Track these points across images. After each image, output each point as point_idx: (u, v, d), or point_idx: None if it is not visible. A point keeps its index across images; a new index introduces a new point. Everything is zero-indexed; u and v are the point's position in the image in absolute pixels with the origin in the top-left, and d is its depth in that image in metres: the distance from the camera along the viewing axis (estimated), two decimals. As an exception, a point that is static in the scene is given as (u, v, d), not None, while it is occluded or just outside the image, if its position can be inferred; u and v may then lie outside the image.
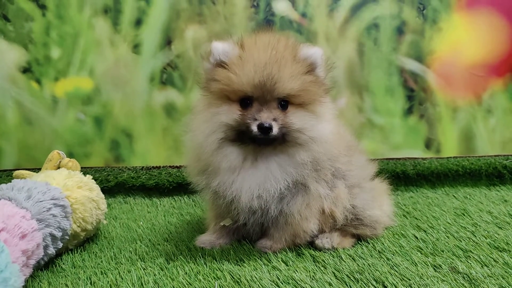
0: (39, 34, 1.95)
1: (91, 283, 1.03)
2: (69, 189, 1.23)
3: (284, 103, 1.14)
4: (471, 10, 2.09)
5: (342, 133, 1.30)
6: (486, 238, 1.29)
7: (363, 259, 1.14)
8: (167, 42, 1.99)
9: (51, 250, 1.09)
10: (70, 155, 1.98)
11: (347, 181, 1.26)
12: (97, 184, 1.94)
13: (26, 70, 1.96)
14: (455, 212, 1.62)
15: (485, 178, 2.10)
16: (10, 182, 1.18)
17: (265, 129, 1.08)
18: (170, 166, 2.01)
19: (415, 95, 2.10)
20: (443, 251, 1.19)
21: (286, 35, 1.23)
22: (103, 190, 1.94)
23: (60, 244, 1.15)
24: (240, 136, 1.12)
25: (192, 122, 1.22)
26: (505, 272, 1.04)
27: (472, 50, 2.11)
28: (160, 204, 1.86)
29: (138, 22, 1.98)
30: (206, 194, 1.25)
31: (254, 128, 1.09)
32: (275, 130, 1.10)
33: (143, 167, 2.01)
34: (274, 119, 1.10)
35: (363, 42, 2.06)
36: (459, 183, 2.10)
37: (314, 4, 2.02)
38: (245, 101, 1.13)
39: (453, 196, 1.93)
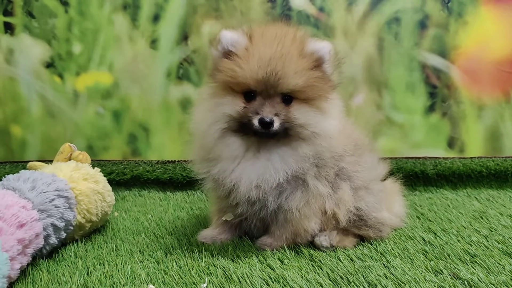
0: (61, 30, 2.01)
1: (87, 273, 1.06)
2: (75, 181, 1.26)
3: (288, 98, 1.13)
4: (500, 2, 1.97)
5: (349, 131, 1.27)
6: (499, 243, 1.23)
7: (362, 260, 1.11)
8: (184, 37, 2.00)
9: (53, 240, 1.13)
10: (90, 148, 2.04)
11: (353, 182, 1.23)
12: (114, 177, 2.00)
13: (49, 65, 2.02)
14: (472, 215, 1.55)
15: (511, 180, 1.99)
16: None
17: (266, 124, 1.08)
18: (184, 161, 2.03)
19: (437, 92, 2.02)
20: (449, 255, 1.14)
21: (296, 28, 1.20)
22: (120, 183, 1.99)
23: (64, 234, 1.19)
24: (243, 127, 1.12)
25: (196, 110, 1.22)
26: (510, 280, 0.98)
27: (500, 45, 1.99)
28: (173, 197, 1.88)
29: (156, 18, 2.00)
30: (207, 183, 1.25)
31: (256, 122, 1.09)
32: (276, 125, 1.09)
33: (158, 161, 2.04)
34: (276, 114, 1.09)
35: (383, 37, 1.99)
36: (482, 184, 2.00)
37: (332, -2, 1.98)
38: (249, 94, 1.12)
39: (475, 198, 1.84)
